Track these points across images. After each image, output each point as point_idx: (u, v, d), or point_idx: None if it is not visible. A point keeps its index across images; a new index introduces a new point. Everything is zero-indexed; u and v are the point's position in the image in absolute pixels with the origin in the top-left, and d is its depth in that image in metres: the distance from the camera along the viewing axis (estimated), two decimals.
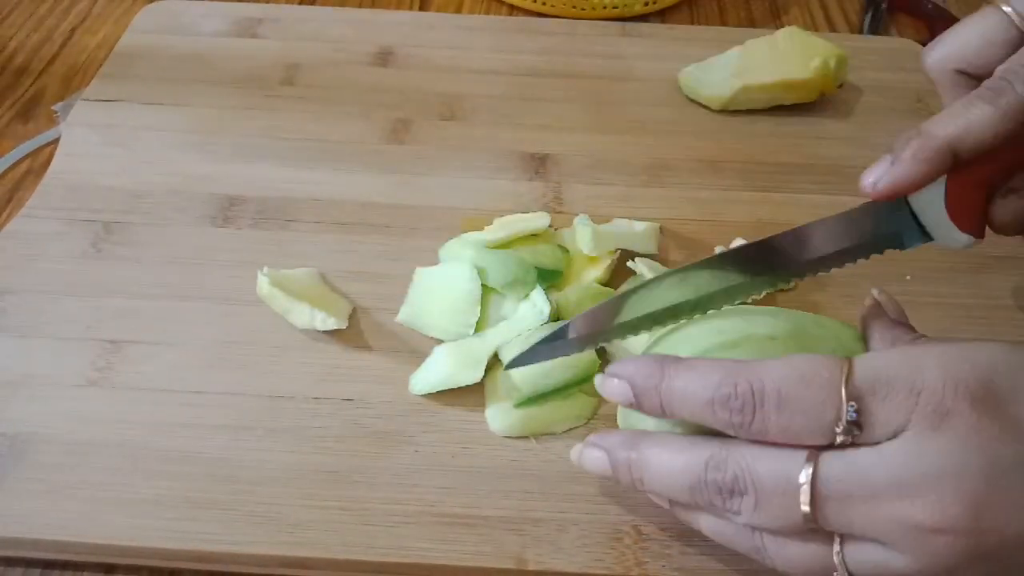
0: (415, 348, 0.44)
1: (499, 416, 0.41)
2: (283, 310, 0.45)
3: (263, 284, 0.45)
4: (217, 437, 0.40)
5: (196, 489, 0.39)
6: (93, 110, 0.57)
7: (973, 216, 0.34)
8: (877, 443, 0.29)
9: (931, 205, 0.34)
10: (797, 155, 0.56)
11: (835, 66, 0.57)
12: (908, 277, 0.48)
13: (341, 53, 0.63)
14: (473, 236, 0.48)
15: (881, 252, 0.36)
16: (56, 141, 0.56)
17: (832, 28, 0.71)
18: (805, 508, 0.29)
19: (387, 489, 0.39)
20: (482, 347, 0.43)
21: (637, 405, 0.33)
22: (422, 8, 0.72)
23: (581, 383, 0.42)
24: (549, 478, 0.40)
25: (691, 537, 0.37)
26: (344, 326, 0.44)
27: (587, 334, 0.37)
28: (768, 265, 0.37)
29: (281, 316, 0.45)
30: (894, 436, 0.29)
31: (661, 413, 0.33)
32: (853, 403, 0.29)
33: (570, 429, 0.41)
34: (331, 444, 0.40)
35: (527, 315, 0.44)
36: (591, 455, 0.35)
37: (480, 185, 0.53)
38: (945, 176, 0.33)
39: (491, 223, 0.49)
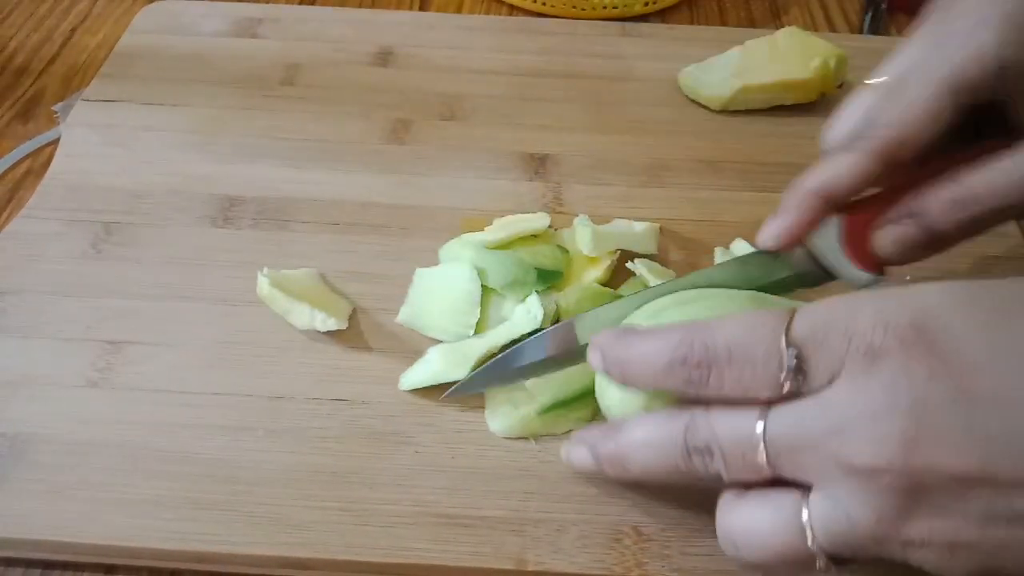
0: (415, 349, 0.44)
1: (499, 418, 0.41)
2: (283, 311, 0.45)
3: (263, 284, 0.45)
4: (217, 438, 0.40)
5: (196, 490, 0.39)
6: (93, 110, 0.57)
7: (868, 253, 0.37)
8: (820, 391, 0.30)
9: (829, 247, 0.37)
10: (797, 155, 0.56)
11: (835, 66, 0.57)
12: (908, 278, 0.48)
13: (341, 53, 0.63)
14: (473, 237, 0.48)
15: (792, 291, 0.39)
16: (56, 141, 0.56)
17: (832, 28, 0.71)
18: (762, 460, 0.30)
19: (387, 489, 0.39)
20: (475, 349, 0.43)
21: (604, 371, 0.35)
22: (422, 8, 0.72)
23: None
24: (549, 478, 0.40)
25: (691, 538, 0.38)
26: (344, 327, 0.44)
27: (529, 364, 0.40)
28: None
29: (281, 316, 0.45)
30: (832, 381, 0.29)
31: (624, 380, 0.34)
32: (793, 349, 0.30)
33: (569, 430, 0.41)
34: (331, 445, 0.40)
35: (522, 319, 0.44)
36: (576, 453, 0.37)
37: (480, 185, 0.53)
38: (838, 218, 0.37)
39: (491, 223, 0.49)
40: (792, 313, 0.31)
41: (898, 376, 0.28)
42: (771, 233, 0.37)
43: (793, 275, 0.39)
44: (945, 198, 0.35)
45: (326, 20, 0.66)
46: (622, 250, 0.48)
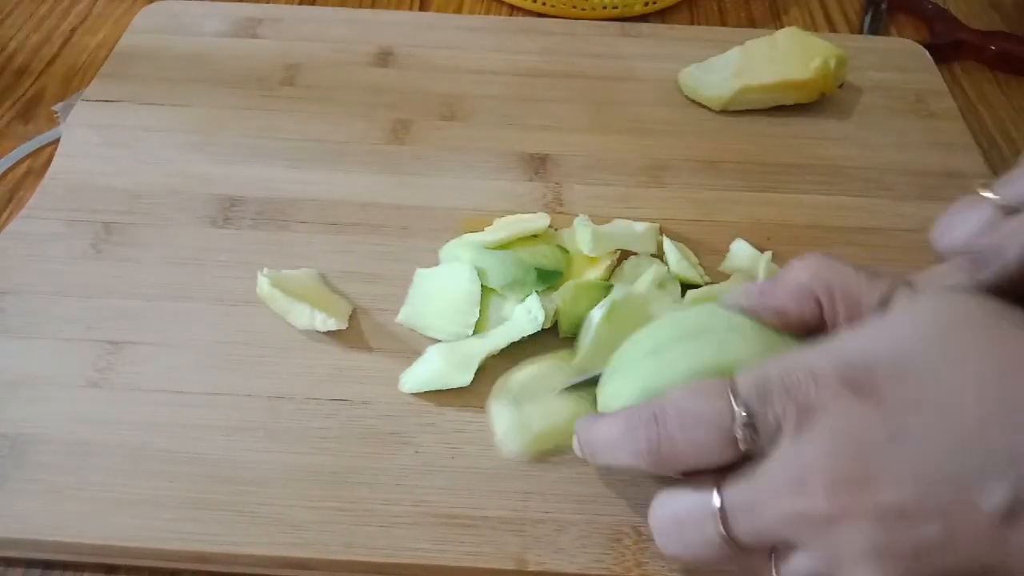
0: (415, 349, 0.44)
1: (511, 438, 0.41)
2: (283, 311, 0.45)
3: (263, 285, 0.45)
4: (217, 438, 0.40)
5: (196, 490, 0.39)
6: (93, 110, 0.57)
7: None
8: (767, 451, 0.31)
9: None
10: (797, 155, 0.56)
11: (835, 66, 0.57)
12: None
13: (341, 53, 0.63)
14: (473, 237, 0.48)
15: None
16: (56, 141, 0.56)
17: (832, 28, 0.71)
18: (721, 530, 0.31)
19: (387, 490, 0.39)
20: (476, 349, 0.43)
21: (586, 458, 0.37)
22: (422, 8, 0.72)
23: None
24: (549, 478, 0.40)
25: None
26: (344, 327, 0.44)
27: None
28: None
29: (281, 317, 0.45)
30: (778, 437, 0.31)
31: (595, 462, 0.37)
32: (742, 405, 0.31)
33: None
34: (331, 445, 0.40)
35: (522, 320, 0.44)
36: (574, 441, 0.38)
37: (480, 185, 0.53)
38: None
39: (491, 224, 0.49)
40: (731, 379, 0.32)
41: (836, 424, 0.30)
42: None
43: None
44: None
45: (326, 20, 0.66)
46: (622, 250, 0.48)
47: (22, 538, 0.37)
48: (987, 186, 0.38)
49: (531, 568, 0.37)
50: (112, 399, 0.42)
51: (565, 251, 0.47)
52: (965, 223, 0.38)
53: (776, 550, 0.32)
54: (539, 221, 0.49)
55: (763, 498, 0.31)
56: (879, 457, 0.29)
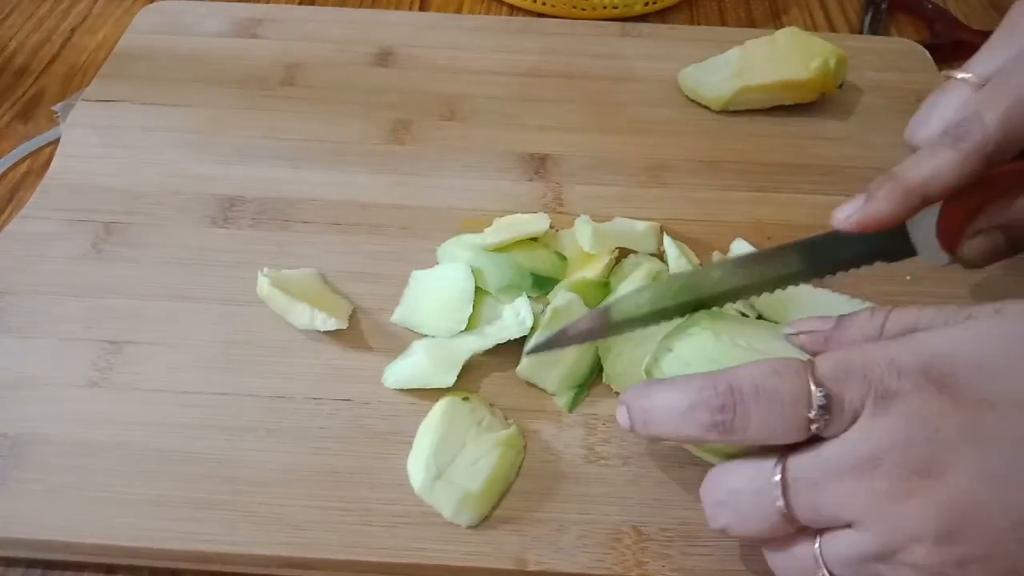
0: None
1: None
2: (283, 310, 0.45)
3: (263, 284, 0.45)
4: (217, 438, 0.40)
5: (196, 489, 0.39)
6: (93, 110, 0.57)
7: (956, 240, 0.38)
8: (838, 433, 0.31)
9: (925, 233, 0.38)
10: (797, 155, 0.56)
11: (835, 66, 0.57)
12: (908, 277, 0.48)
13: (341, 53, 0.63)
14: (471, 238, 0.48)
15: (871, 263, 0.39)
16: (56, 141, 0.56)
17: (832, 28, 0.71)
18: (780, 504, 0.31)
19: (387, 489, 0.39)
20: (461, 349, 0.43)
21: (634, 430, 0.35)
22: (422, 8, 0.72)
23: None
24: (549, 478, 0.40)
25: (691, 538, 0.38)
26: (344, 326, 0.44)
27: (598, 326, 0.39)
28: (778, 268, 0.39)
29: (281, 317, 0.45)
30: (853, 421, 0.31)
31: (647, 434, 0.35)
32: (822, 388, 0.31)
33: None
34: (331, 444, 0.40)
35: (510, 323, 0.44)
36: (619, 413, 0.36)
37: (480, 185, 0.53)
38: (937, 207, 0.37)
39: (491, 224, 0.49)
40: (811, 360, 0.32)
41: (914, 413, 0.30)
42: (858, 218, 0.36)
43: (869, 251, 0.39)
44: None
45: (326, 20, 0.66)
46: (621, 248, 0.48)
47: (22, 538, 0.37)
48: (958, 68, 0.38)
49: (531, 568, 0.37)
50: (112, 399, 0.42)
51: (563, 258, 0.47)
52: (943, 109, 0.39)
53: (826, 529, 0.32)
54: (539, 223, 0.49)
55: (830, 474, 0.31)
56: (952, 449, 0.29)
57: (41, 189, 0.52)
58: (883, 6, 0.71)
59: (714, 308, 0.39)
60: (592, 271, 0.47)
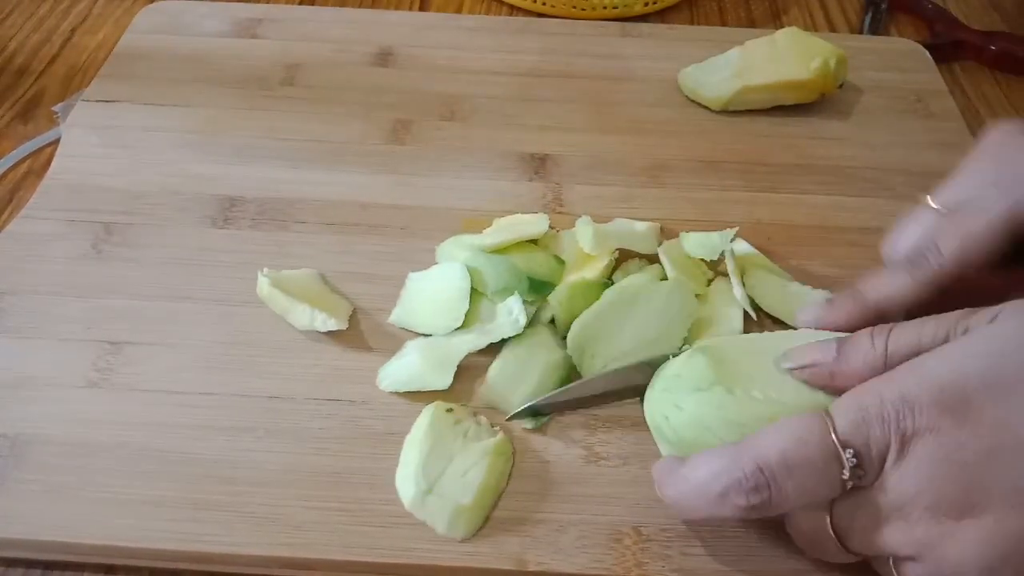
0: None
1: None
2: (283, 311, 0.45)
3: (263, 285, 0.45)
4: (217, 438, 0.40)
5: (196, 490, 0.39)
6: (93, 111, 0.57)
7: None
8: (876, 478, 0.32)
9: None
10: (797, 155, 0.56)
11: (835, 66, 0.57)
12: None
13: (341, 53, 0.63)
14: (469, 238, 0.48)
15: None
16: (56, 142, 0.56)
17: (832, 28, 0.71)
18: (841, 548, 0.34)
19: (387, 490, 0.39)
20: (455, 349, 0.43)
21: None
22: (422, 8, 0.72)
23: None
24: (549, 478, 0.40)
25: (691, 538, 0.38)
26: (344, 327, 0.44)
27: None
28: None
29: (281, 317, 0.45)
30: (883, 467, 0.32)
31: (687, 517, 0.37)
32: (850, 449, 0.32)
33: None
34: (331, 445, 0.40)
35: (504, 323, 0.44)
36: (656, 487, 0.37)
37: (480, 186, 0.53)
38: None
39: (491, 224, 0.49)
40: (828, 414, 0.32)
41: (935, 451, 0.31)
42: (816, 323, 0.40)
43: None
44: None
45: (326, 20, 0.66)
46: (622, 249, 0.48)
47: (22, 538, 0.37)
48: (930, 196, 0.41)
49: (531, 568, 0.37)
50: (112, 399, 0.42)
51: (560, 261, 0.47)
52: (909, 230, 0.41)
53: (895, 557, 0.33)
54: (538, 224, 0.48)
55: (871, 524, 0.32)
56: (978, 476, 0.30)
57: (41, 189, 0.52)
58: (883, 6, 0.71)
59: (709, 339, 0.40)
60: (592, 272, 0.46)
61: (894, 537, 0.32)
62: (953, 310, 0.35)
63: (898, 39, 0.67)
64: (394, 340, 0.45)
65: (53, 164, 0.54)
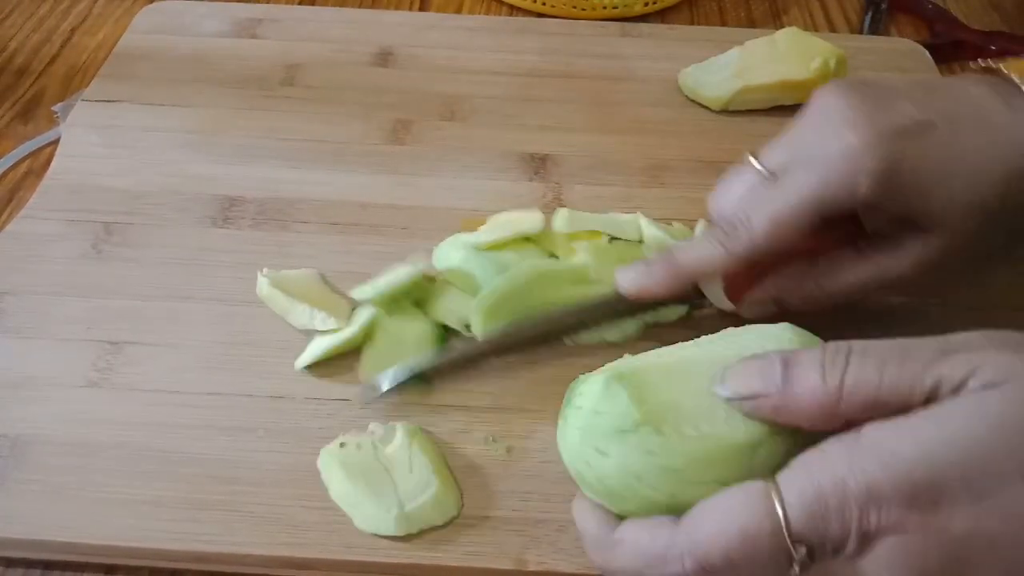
0: None
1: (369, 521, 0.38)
2: (283, 311, 0.45)
3: (263, 285, 0.45)
4: (218, 438, 0.40)
5: (196, 490, 0.39)
6: (93, 111, 0.57)
7: (738, 296, 0.43)
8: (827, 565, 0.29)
9: (714, 291, 0.43)
10: None
11: (835, 66, 0.57)
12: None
13: (341, 53, 0.63)
14: (466, 237, 0.48)
15: (667, 306, 0.45)
16: (56, 142, 0.56)
17: (832, 28, 0.71)
18: None
19: None
20: (361, 294, 0.45)
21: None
22: (422, 8, 0.72)
23: None
24: (549, 478, 0.39)
25: None
26: (344, 327, 0.44)
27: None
28: (604, 310, 0.44)
29: (281, 317, 0.45)
30: (836, 557, 0.29)
31: None
32: (802, 546, 0.28)
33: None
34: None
35: (403, 269, 0.46)
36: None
37: (480, 186, 0.53)
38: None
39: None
40: (782, 506, 0.29)
41: (896, 554, 0.28)
42: (636, 289, 0.42)
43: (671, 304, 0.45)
44: (804, 295, 0.41)
45: (326, 20, 0.66)
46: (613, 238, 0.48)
47: (22, 538, 0.37)
48: (755, 153, 0.42)
49: (531, 568, 0.37)
50: (112, 399, 0.42)
51: (555, 257, 0.47)
52: (731, 190, 0.42)
53: None
54: (533, 221, 0.48)
55: None
56: None
57: (41, 189, 0.52)
58: (883, 6, 0.71)
59: (625, 361, 0.35)
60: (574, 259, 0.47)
61: None
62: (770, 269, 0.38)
63: (898, 39, 0.67)
64: None
65: (53, 164, 0.54)
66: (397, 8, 0.71)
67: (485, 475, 0.39)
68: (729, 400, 0.32)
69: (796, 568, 0.29)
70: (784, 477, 0.29)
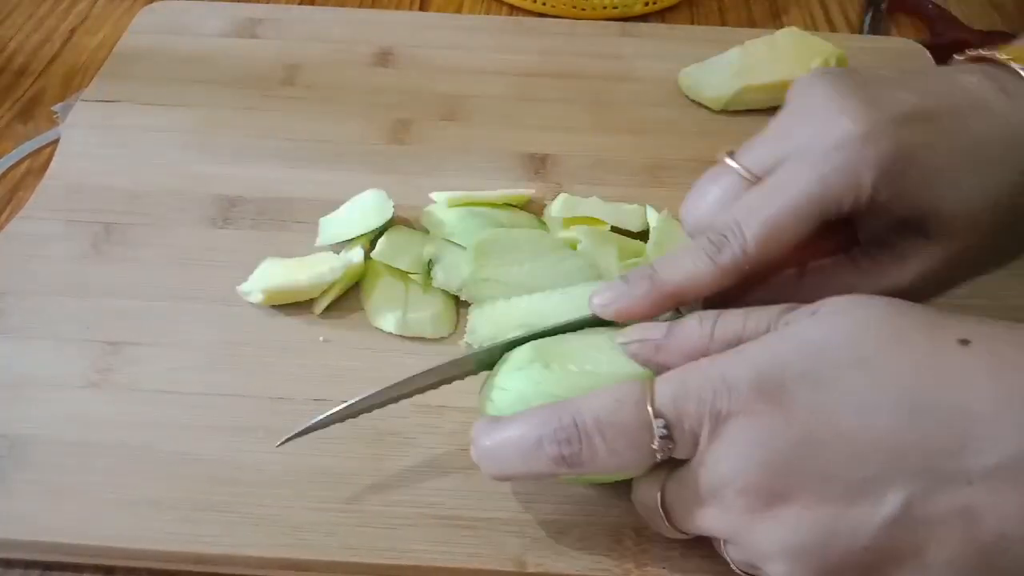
0: (415, 350, 0.44)
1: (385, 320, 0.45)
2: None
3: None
4: (217, 438, 0.40)
5: (196, 491, 0.39)
6: (93, 111, 0.57)
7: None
8: (691, 454, 0.32)
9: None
10: None
11: (835, 66, 0.57)
12: None
13: (341, 53, 0.63)
14: (456, 193, 0.50)
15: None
16: (56, 142, 0.56)
17: (832, 28, 0.71)
18: (669, 525, 0.34)
19: (387, 491, 0.39)
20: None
21: (484, 471, 0.35)
22: (422, 8, 0.72)
23: None
24: (549, 479, 0.39)
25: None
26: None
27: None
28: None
29: (280, 317, 0.45)
30: (696, 445, 0.32)
31: (499, 473, 0.35)
32: (660, 419, 0.31)
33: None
34: (331, 446, 0.40)
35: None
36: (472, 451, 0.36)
37: (480, 185, 0.53)
38: None
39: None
40: (651, 384, 0.32)
41: (746, 434, 0.30)
42: (615, 311, 0.36)
43: None
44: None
45: (326, 20, 0.66)
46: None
47: (21, 539, 0.37)
48: (731, 154, 0.38)
49: (531, 570, 0.37)
50: (112, 400, 0.42)
51: (543, 224, 0.49)
52: (707, 197, 0.38)
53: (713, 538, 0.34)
54: (522, 190, 0.51)
55: (690, 503, 0.32)
56: (788, 465, 0.30)
57: (40, 189, 0.52)
58: (883, 6, 0.71)
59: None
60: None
61: (710, 519, 0.32)
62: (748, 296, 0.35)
63: (898, 39, 0.67)
64: (394, 340, 0.45)
65: (52, 164, 0.54)
66: (397, 8, 0.71)
67: (485, 476, 0.39)
68: (622, 345, 0.35)
69: (656, 443, 0.31)
70: (659, 376, 0.33)
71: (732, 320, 0.33)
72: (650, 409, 0.31)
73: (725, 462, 0.31)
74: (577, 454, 0.32)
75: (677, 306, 0.37)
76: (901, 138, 0.34)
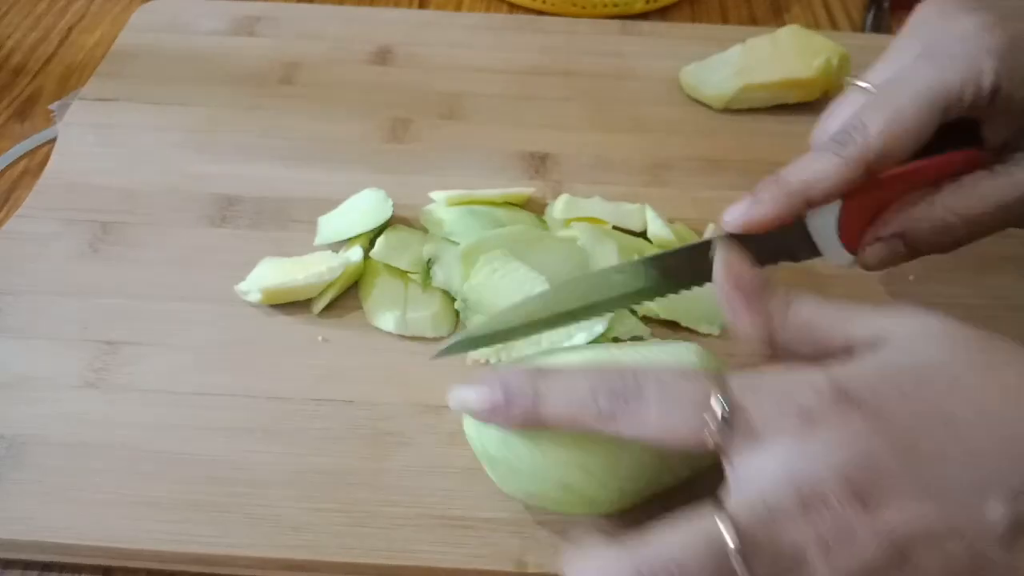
0: (415, 350, 0.44)
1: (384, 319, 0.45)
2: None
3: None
4: (216, 439, 0.40)
5: (194, 491, 0.38)
6: (90, 109, 0.57)
7: (856, 241, 0.38)
8: (739, 453, 0.29)
9: (825, 231, 0.37)
10: (799, 154, 0.55)
11: (837, 65, 0.57)
12: (911, 277, 0.48)
13: (340, 52, 0.62)
14: (456, 193, 0.50)
15: (775, 263, 0.38)
16: (53, 141, 0.56)
17: (834, 26, 0.70)
18: (744, 571, 0.28)
19: (387, 491, 0.39)
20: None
21: (504, 408, 0.33)
22: (421, 6, 0.71)
23: None
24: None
25: None
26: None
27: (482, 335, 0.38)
28: (681, 269, 0.38)
29: (280, 317, 0.45)
30: (758, 440, 0.28)
31: (534, 414, 0.32)
32: (726, 400, 0.29)
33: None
34: (330, 446, 0.40)
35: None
36: (473, 391, 0.34)
37: (480, 184, 0.52)
38: (840, 201, 0.37)
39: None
40: (721, 375, 0.30)
41: (843, 438, 0.28)
42: (744, 220, 0.36)
43: (774, 251, 0.38)
44: (934, 223, 0.37)
45: (325, 18, 0.66)
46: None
47: (19, 539, 0.37)
48: (859, 76, 0.39)
49: (530, 570, 0.37)
50: (109, 400, 0.42)
51: (543, 223, 0.48)
52: (837, 117, 0.39)
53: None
54: (522, 189, 0.51)
55: (778, 516, 0.28)
56: (887, 472, 0.28)
57: (38, 189, 0.52)
58: (885, 4, 0.71)
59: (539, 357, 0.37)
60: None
61: (802, 533, 0.28)
62: (892, 202, 0.35)
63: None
64: (395, 340, 0.44)
65: (50, 163, 0.53)
66: (396, 6, 0.71)
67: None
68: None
69: (714, 422, 0.29)
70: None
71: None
72: (716, 388, 0.29)
73: (824, 461, 0.28)
74: (627, 409, 0.30)
75: (807, 206, 0.36)
76: (1017, 29, 0.35)
